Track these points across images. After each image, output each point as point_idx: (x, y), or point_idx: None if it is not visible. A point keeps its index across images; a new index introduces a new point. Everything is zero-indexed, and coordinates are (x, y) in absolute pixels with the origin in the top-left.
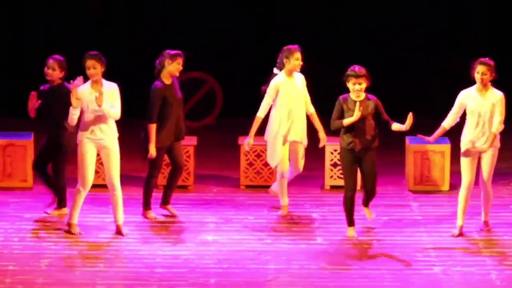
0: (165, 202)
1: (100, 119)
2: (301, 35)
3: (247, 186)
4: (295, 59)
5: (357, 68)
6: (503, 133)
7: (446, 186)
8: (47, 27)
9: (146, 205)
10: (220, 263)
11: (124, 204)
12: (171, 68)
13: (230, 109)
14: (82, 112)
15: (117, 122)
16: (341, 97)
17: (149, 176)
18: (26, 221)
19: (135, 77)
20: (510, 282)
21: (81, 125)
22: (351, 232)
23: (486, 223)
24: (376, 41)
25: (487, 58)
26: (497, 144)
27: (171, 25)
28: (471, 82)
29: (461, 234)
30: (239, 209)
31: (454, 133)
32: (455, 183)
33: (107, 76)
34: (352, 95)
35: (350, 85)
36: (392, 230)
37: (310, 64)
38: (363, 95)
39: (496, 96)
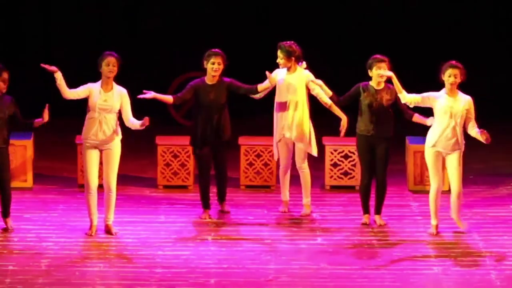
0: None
1: (105, 119)
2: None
3: (247, 186)
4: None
5: (379, 55)
6: (502, 134)
7: (446, 186)
8: (45, 28)
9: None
10: (220, 263)
11: (124, 204)
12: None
13: (230, 109)
14: (87, 111)
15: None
16: (361, 83)
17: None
18: (26, 221)
19: (136, 78)
20: (510, 282)
21: (85, 124)
22: (365, 219)
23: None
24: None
25: (456, 61)
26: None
27: (171, 25)
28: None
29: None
30: (239, 209)
31: None
32: None
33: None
34: (374, 82)
35: (373, 71)
36: (392, 230)
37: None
38: (383, 84)
39: (466, 99)
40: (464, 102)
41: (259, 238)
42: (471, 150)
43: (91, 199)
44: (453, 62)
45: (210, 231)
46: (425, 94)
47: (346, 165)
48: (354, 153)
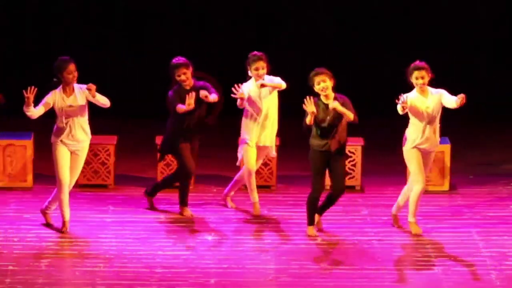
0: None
1: (73, 124)
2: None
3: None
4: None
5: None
6: (502, 134)
7: (446, 186)
8: (46, 28)
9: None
10: (220, 263)
11: (124, 204)
12: None
13: (230, 109)
14: (56, 117)
15: (116, 122)
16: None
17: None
18: (26, 221)
19: (136, 77)
20: (510, 282)
21: (55, 130)
22: (311, 230)
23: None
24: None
25: (420, 62)
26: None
27: (171, 25)
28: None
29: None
30: (239, 209)
31: (454, 134)
32: (455, 183)
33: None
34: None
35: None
36: (392, 230)
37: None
38: (332, 95)
39: (438, 94)
40: (437, 98)
41: (259, 238)
42: (471, 150)
43: (63, 197)
44: (418, 63)
45: (210, 231)
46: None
47: (346, 165)
48: (354, 153)
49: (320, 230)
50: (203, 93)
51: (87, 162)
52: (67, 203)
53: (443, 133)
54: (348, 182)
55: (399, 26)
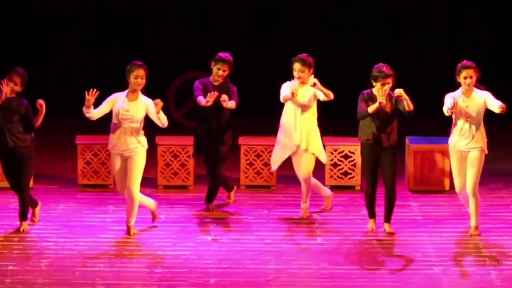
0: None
1: (128, 130)
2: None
3: (247, 186)
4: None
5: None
6: (502, 133)
7: (446, 186)
8: (46, 28)
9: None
10: (220, 263)
11: (124, 204)
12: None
13: (231, 109)
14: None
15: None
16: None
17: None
18: (27, 221)
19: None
20: (510, 282)
21: (111, 134)
22: (371, 224)
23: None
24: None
25: (468, 61)
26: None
27: (171, 25)
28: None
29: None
30: (239, 209)
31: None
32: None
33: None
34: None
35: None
36: (392, 229)
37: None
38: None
39: (482, 96)
40: (481, 99)
41: (259, 238)
42: None
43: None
44: (466, 62)
45: (210, 231)
46: (448, 104)
47: (346, 165)
48: (354, 153)
49: (390, 233)
50: (224, 97)
51: (87, 162)
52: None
53: (443, 133)
54: (348, 182)
55: (399, 26)
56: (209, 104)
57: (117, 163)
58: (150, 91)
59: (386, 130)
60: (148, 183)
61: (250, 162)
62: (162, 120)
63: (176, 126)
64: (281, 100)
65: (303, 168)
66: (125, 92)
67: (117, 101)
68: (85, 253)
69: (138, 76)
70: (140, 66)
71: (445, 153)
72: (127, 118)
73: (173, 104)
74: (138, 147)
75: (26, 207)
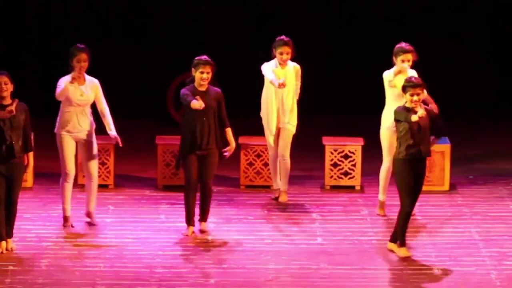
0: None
1: (80, 112)
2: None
3: (247, 186)
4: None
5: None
6: (502, 133)
7: (446, 186)
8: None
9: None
10: (220, 263)
11: (124, 204)
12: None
13: (230, 109)
14: (61, 105)
15: (116, 122)
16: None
17: None
18: (26, 221)
19: (136, 77)
20: (510, 282)
21: (60, 118)
22: (404, 251)
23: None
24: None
25: (406, 44)
26: None
27: (171, 25)
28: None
29: None
30: (239, 209)
31: (454, 134)
32: (455, 183)
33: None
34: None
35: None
36: (392, 230)
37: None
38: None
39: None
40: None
41: (259, 238)
42: (471, 150)
43: (67, 189)
44: (404, 45)
45: (210, 231)
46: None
47: (346, 165)
48: (354, 153)
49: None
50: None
51: None
52: (70, 196)
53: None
54: (348, 182)
55: (399, 25)
56: (203, 106)
57: (71, 145)
58: (150, 91)
59: (425, 141)
60: (148, 183)
61: (250, 162)
62: (107, 123)
63: (176, 126)
64: (269, 82)
65: (283, 143)
66: (69, 78)
67: (68, 88)
68: (85, 253)
69: (81, 60)
70: (83, 50)
71: (445, 153)
72: (81, 103)
73: (173, 104)
74: (91, 128)
75: (13, 221)
